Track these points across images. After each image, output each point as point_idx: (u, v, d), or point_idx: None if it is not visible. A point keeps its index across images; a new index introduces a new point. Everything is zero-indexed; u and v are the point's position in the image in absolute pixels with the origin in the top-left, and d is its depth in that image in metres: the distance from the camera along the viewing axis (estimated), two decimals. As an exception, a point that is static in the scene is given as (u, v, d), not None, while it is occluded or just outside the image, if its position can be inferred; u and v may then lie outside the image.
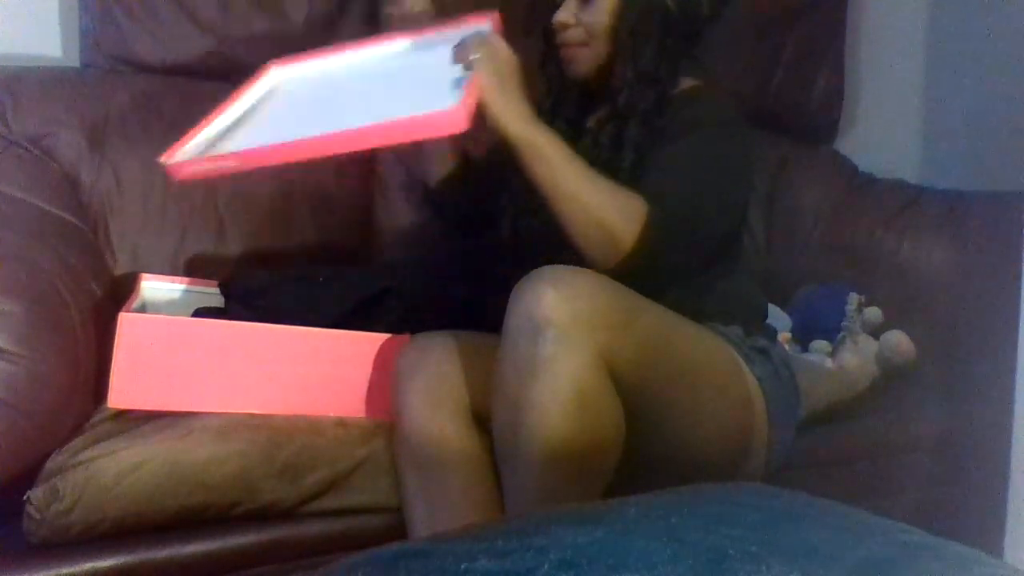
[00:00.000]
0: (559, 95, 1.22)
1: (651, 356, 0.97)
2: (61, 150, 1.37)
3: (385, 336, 1.16)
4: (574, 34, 1.14)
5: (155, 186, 1.42)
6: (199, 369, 1.10)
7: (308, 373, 1.13)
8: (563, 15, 1.13)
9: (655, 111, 1.11)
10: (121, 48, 1.49)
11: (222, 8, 1.52)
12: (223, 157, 0.98)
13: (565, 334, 0.89)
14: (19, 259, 1.09)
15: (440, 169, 1.28)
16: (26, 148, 1.34)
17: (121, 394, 1.08)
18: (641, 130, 1.11)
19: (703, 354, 1.04)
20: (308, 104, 1.14)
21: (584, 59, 1.15)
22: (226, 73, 1.54)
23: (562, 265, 0.94)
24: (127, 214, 1.40)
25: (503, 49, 1.01)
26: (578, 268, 0.95)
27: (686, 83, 1.16)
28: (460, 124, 0.91)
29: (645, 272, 0.99)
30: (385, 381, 1.13)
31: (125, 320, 1.07)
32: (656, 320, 1.00)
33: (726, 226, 1.12)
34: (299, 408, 1.13)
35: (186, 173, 0.99)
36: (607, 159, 1.10)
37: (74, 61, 1.52)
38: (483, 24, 1.13)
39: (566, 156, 1.00)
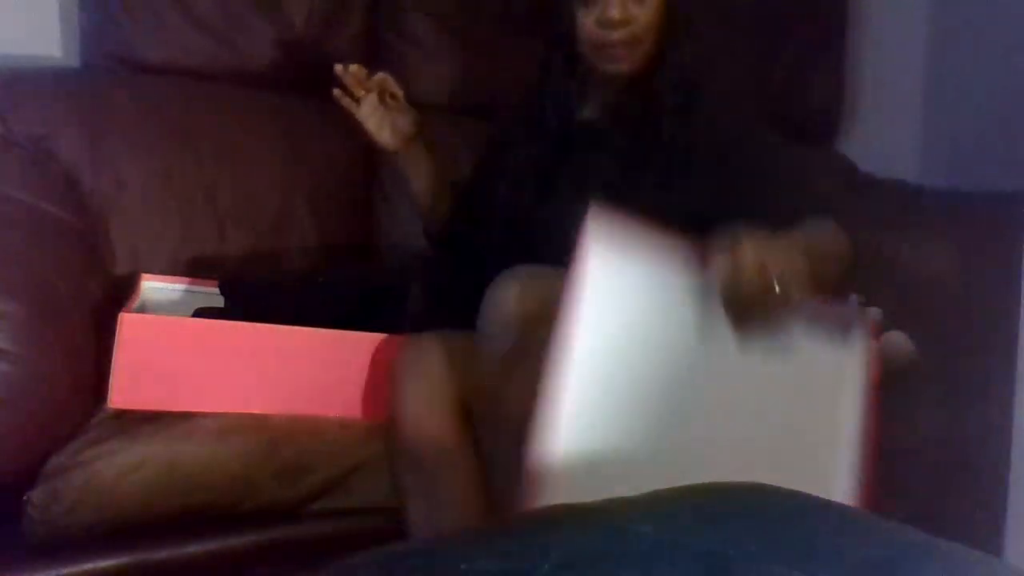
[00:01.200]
0: (580, 97, 1.20)
1: None
2: (61, 150, 1.37)
3: (384, 336, 1.16)
4: (628, 32, 1.10)
5: (155, 186, 1.42)
6: (199, 369, 1.10)
7: (308, 373, 1.13)
8: (617, 11, 1.09)
9: (690, 108, 1.12)
10: (121, 48, 1.49)
11: (222, 8, 1.52)
12: None
13: (534, 327, 0.89)
14: (19, 259, 1.09)
15: (431, 202, 1.31)
16: (26, 148, 1.34)
17: (121, 394, 1.08)
18: (678, 128, 1.11)
19: None
20: None
21: (634, 57, 1.12)
22: (226, 73, 1.55)
23: (532, 265, 0.97)
24: (127, 214, 1.39)
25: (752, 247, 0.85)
26: (548, 268, 0.95)
27: None
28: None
29: None
30: (384, 381, 1.13)
31: (125, 320, 1.07)
32: None
33: None
34: (299, 408, 1.13)
35: None
36: (639, 154, 1.11)
37: (74, 61, 1.51)
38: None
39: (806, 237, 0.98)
